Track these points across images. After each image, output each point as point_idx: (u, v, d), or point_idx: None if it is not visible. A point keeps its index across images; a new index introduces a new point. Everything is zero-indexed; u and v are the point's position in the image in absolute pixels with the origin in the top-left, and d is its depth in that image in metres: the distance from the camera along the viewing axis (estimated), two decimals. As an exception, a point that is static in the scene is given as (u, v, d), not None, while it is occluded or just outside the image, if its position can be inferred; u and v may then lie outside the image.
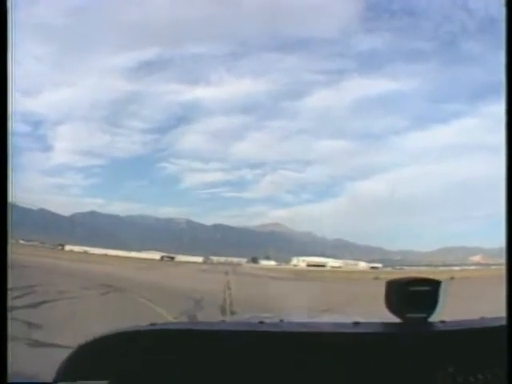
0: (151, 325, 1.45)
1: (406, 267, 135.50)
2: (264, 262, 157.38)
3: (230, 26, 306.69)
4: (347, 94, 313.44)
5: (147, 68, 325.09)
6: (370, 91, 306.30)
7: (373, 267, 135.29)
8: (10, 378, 1.29)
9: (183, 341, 1.39)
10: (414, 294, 1.43)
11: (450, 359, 1.39)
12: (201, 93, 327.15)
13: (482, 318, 1.61)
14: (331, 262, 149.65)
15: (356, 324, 1.46)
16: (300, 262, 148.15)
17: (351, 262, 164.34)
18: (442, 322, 1.51)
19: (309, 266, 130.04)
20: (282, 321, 1.61)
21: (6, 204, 1.30)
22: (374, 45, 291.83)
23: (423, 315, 1.47)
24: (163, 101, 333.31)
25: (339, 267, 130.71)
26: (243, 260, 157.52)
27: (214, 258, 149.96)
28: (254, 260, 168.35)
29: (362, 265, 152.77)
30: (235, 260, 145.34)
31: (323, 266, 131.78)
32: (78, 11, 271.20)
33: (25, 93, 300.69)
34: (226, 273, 41.68)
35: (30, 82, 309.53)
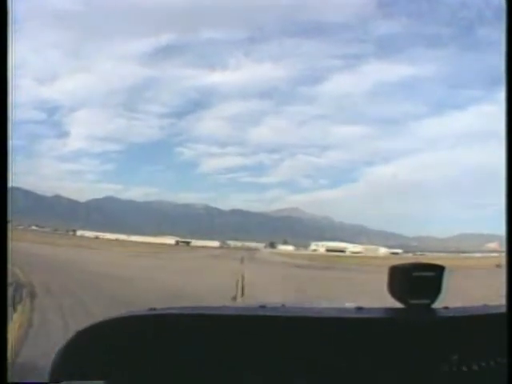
0: (151, 309, 1.44)
1: (427, 253, 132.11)
2: (282, 247, 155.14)
3: (248, 10, 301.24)
4: (365, 79, 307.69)
5: (164, 53, 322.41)
6: (388, 76, 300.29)
7: (393, 253, 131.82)
8: (10, 378, 1.27)
9: (184, 325, 1.39)
10: (417, 280, 1.42)
11: (453, 345, 1.39)
12: (218, 78, 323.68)
13: (485, 305, 1.61)
14: (351, 248, 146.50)
15: (359, 309, 1.46)
16: (319, 247, 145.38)
17: (371, 247, 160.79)
18: (446, 308, 1.51)
19: (328, 251, 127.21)
20: (283, 305, 1.62)
21: (5, 201, 1.28)
22: (392, 30, 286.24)
23: (427, 301, 1.46)
24: (180, 86, 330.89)
25: (359, 252, 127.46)
26: (261, 245, 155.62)
27: (231, 243, 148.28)
28: (272, 245, 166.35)
29: (382, 250, 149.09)
30: (253, 245, 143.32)
31: (343, 251, 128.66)
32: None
33: (41, 80, 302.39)
34: (242, 260, 37.88)
35: (46, 69, 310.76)
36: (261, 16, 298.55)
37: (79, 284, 14.26)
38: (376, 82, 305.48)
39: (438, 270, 1.44)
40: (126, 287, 14.24)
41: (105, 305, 9.91)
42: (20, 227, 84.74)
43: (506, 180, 1.26)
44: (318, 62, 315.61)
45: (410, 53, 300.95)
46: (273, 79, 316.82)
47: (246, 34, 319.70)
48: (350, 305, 1.54)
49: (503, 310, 1.34)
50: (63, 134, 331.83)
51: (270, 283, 18.23)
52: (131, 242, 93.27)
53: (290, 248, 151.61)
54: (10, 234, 1.34)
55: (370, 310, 1.48)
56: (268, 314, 1.43)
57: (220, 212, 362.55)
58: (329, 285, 19.50)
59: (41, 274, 15.42)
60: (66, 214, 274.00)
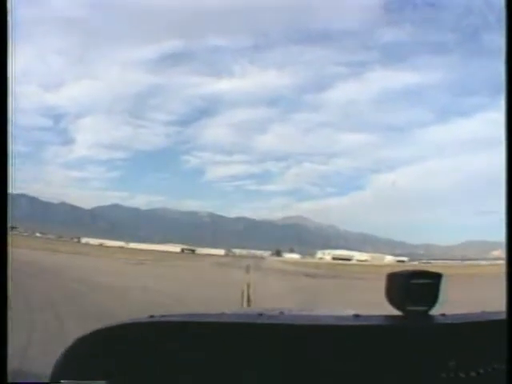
0: (150, 317, 1.45)
1: (432, 261, 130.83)
2: (288, 255, 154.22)
3: (253, 18, 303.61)
4: (370, 86, 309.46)
5: (170, 60, 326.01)
6: (393, 84, 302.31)
7: (399, 261, 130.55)
8: (10, 378, 1.27)
9: (183, 332, 1.40)
10: (415, 287, 1.43)
11: (450, 352, 1.40)
12: (224, 85, 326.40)
13: (483, 312, 1.61)
14: (357, 256, 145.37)
15: (356, 316, 1.46)
16: (325, 256, 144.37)
17: (377, 255, 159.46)
18: (443, 315, 1.50)
19: (334, 259, 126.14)
20: (281, 313, 1.64)
21: (6, 201, 1.28)
22: (397, 37, 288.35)
23: (424, 308, 1.46)
24: (186, 93, 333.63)
25: (365, 261, 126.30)
26: (267, 253, 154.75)
27: (237, 251, 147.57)
28: (278, 253, 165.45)
29: (388, 258, 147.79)
30: (259, 253, 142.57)
31: (349, 259, 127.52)
32: (99, 4, 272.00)
33: (47, 86, 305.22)
34: (247, 269, 36.80)
35: (51, 76, 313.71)
36: (266, 23, 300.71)
37: (68, 294, 13.50)
38: (381, 90, 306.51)
39: (436, 276, 1.44)
40: (123, 298, 13.53)
41: (92, 317, 9.15)
42: (24, 234, 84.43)
43: (506, 187, 1.25)
44: (324, 69, 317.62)
45: (415, 60, 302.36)
46: (278, 87, 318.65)
47: (252, 41, 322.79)
48: (347, 312, 1.54)
49: (501, 316, 1.33)
50: (69, 141, 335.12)
51: (276, 293, 17.62)
52: (135, 249, 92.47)
53: (296, 256, 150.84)
54: (9, 240, 1.31)
55: (367, 317, 1.47)
56: (266, 321, 1.43)
57: (226, 220, 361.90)
58: (335, 293, 18.89)
59: (27, 283, 14.73)
60: (70, 220, 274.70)
